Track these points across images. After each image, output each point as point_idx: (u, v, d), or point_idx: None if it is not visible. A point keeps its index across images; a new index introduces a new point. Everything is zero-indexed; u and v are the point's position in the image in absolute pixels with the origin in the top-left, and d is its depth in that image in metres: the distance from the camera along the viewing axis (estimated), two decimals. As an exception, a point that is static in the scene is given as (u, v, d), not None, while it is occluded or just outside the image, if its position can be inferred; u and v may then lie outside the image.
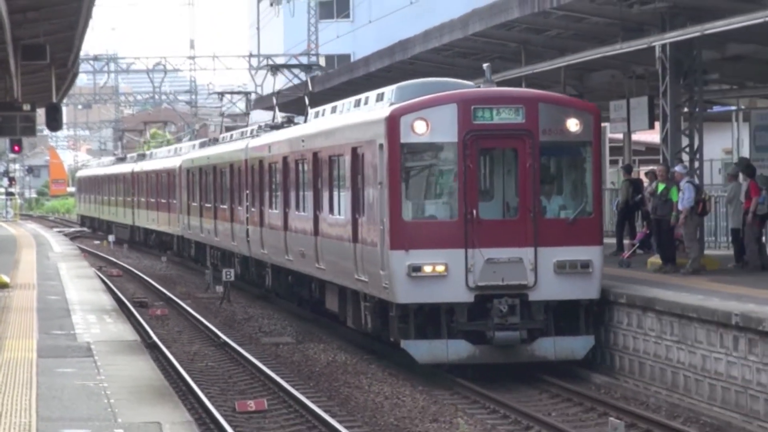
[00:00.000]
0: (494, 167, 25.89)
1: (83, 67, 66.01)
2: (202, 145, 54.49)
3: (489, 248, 24.41)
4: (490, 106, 24.79)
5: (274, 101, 43.20)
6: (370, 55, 44.52)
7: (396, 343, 25.69)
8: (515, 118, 24.75)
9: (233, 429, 20.11)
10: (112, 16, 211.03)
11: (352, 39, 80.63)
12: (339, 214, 29.56)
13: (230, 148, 43.74)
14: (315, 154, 31.51)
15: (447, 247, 24.57)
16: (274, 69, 44.14)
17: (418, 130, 24.57)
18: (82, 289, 36.45)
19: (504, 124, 24.88)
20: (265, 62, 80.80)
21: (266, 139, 38.39)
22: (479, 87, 27.35)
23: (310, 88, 42.50)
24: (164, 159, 60.13)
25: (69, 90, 58.70)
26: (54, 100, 47.58)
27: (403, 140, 24.80)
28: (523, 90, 27.64)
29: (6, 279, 36.19)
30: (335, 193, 30.07)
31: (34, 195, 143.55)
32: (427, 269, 24.38)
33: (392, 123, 24.96)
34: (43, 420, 16.36)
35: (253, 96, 69.55)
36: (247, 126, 60.63)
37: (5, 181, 75.07)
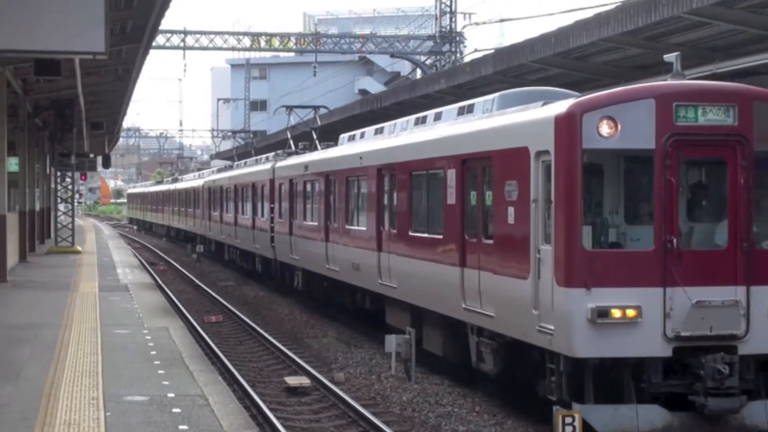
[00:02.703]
0: (694, 182, 11.92)
1: (122, 134, 65.16)
2: (219, 171, 44.55)
3: (695, 287, 11.10)
4: (695, 104, 11.46)
5: (289, 135, 32.21)
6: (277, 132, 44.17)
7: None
8: (725, 119, 11.47)
9: (204, 331, 19.83)
10: (137, 106, 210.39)
11: (268, 123, 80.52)
12: (429, 232, 14.96)
13: (252, 170, 31.84)
14: (379, 170, 17.44)
15: (639, 284, 11.05)
16: (289, 109, 31.68)
17: (605, 132, 11.18)
18: (121, 255, 36.08)
19: (711, 127, 11.39)
20: (221, 134, 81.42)
21: (298, 160, 25.08)
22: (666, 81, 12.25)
23: (318, 123, 30.59)
24: (190, 181, 51.15)
25: (114, 146, 58.06)
26: (106, 151, 47.21)
27: (585, 145, 11.13)
28: (734, 84, 12.97)
29: (79, 248, 35.78)
30: (421, 210, 15.66)
31: (91, 203, 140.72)
32: (616, 314, 10.99)
33: (570, 123, 11.22)
34: (103, 325, 16.33)
35: (213, 152, 69.89)
36: (204, 168, 60.00)
37: (77, 195, 73.44)
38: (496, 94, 13.87)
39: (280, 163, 27.28)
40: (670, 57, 12.14)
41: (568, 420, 9.81)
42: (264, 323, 22.00)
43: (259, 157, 34.29)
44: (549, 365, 11.31)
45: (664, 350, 10.89)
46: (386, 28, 77.52)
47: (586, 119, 11.12)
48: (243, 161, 38.84)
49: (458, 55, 44.44)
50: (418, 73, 48.10)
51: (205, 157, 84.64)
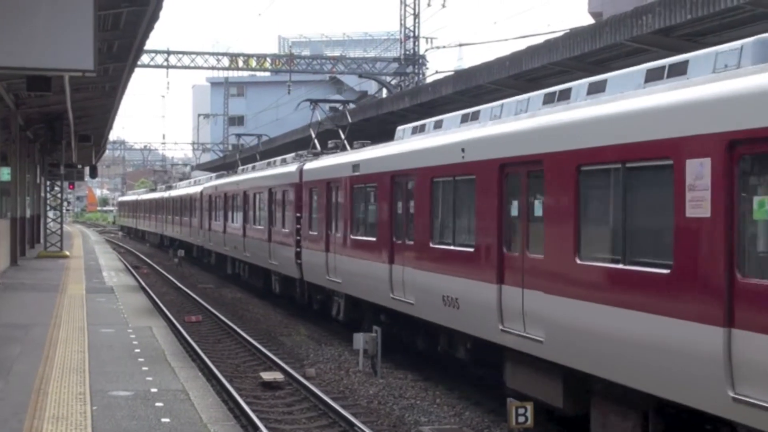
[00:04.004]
0: None
1: (108, 146, 64.64)
2: (219, 177, 38.07)
3: None
4: None
5: (313, 134, 25.06)
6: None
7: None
8: None
9: (185, 330, 19.61)
10: (122, 120, 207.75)
11: (245, 137, 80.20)
12: (629, 263, 8.11)
13: (268, 173, 24.70)
14: (502, 167, 10.68)
15: None
16: (314, 103, 24.50)
17: None
18: (107, 259, 35.71)
19: None
20: (201, 147, 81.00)
21: (342, 159, 18.21)
22: None
23: (349, 120, 24.59)
24: (186, 188, 44.77)
25: (100, 157, 57.51)
26: (93, 162, 46.67)
27: None
28: None
29: (67, 253, 35.40)
30: (599, 226, 8.94)
31: (79, 210, 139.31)
32: None
33: None
34: (90, 324, 16.13)
35: (194, 164, 69.59)
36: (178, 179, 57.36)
37: (66, 203, 72.61)
38: (748, 41, 7.81)
39: (310, 165, 20.63)
40: None
41: (521, 411, 9.82)
42: (241, 322, 21.82)
43: (272, 159, 27.20)
44: None
45: None
46: (355, 50, 77.60)
47: None
48: (251, 165, 31.23)
49: (421, 76, 44.60)
50: (384, 93, 48.18)
51: (186, 168, 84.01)
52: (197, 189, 38.91)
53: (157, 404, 10.06)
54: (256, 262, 25.68)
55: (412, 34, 44.92)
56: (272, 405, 13.03)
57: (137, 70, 25.54)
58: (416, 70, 44.64)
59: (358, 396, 13.57)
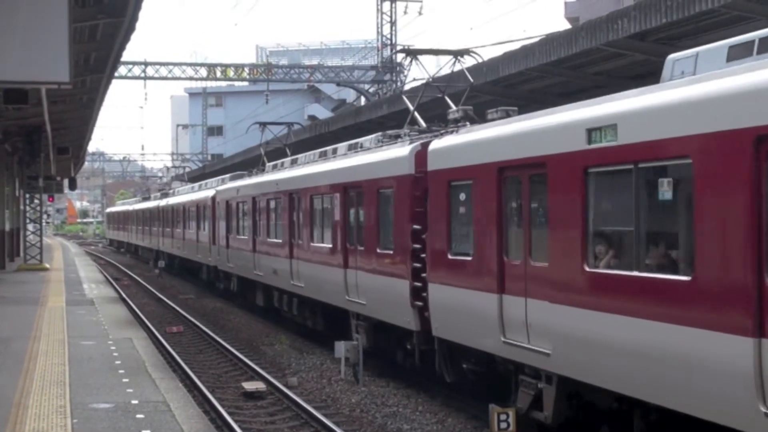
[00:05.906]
0: None
1: (87, 158, 64.32)
2: (235, 178, 28.99)
3: None
4: None
5: (410, 106, 16.58)
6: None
7: None
8: None
9: (166, 341, 19.55)
10: (101, 132, 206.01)
11: (224, 147, 80.00)
12: None
13: (340, 165, 16.27)
14: None
15: None
16: (411, 55, 15.00)
17: None
18: (87, 271, 35.43)
19: None
20: (179, 158, 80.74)
21: (544, 120, 9.24)
22: None
23: (471, 80, 16.10)
24: (189, 194, 36.38)
25: (79, 169, 57.16)
26: (72, 175, 46.40)
27: None
28: None
29: (47, 265, 35.12)
30: None
31: (59, 222, 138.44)
32: None
33: None
34: (70, 337, 15.95)
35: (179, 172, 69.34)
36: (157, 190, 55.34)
37: (45, 216, 72.11)
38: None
39: (440, 142, 12.45)
40: None
41: (503, 417, 9.81)
42: (222, 332, 21.73)
43: (326, 148, 19.09)
44: None
45: None
46: (332, 59, 77.56)
47: None
48: (287, 159, 22.62)
49: (398, 83, 44.61)
50: (363, 100, 48.19)
51: (165, 179, 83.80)
52: (206, 194, 30.78)
53: (138, 416, 9.97)
54: (319, 296, 17.59)
55: (389, 42, 44.98)
56: (254, 415, 12.96)
57: (115, 81, 25.40)
58: (394, 78, 44.67)
59: (340, 404, 13.51)
